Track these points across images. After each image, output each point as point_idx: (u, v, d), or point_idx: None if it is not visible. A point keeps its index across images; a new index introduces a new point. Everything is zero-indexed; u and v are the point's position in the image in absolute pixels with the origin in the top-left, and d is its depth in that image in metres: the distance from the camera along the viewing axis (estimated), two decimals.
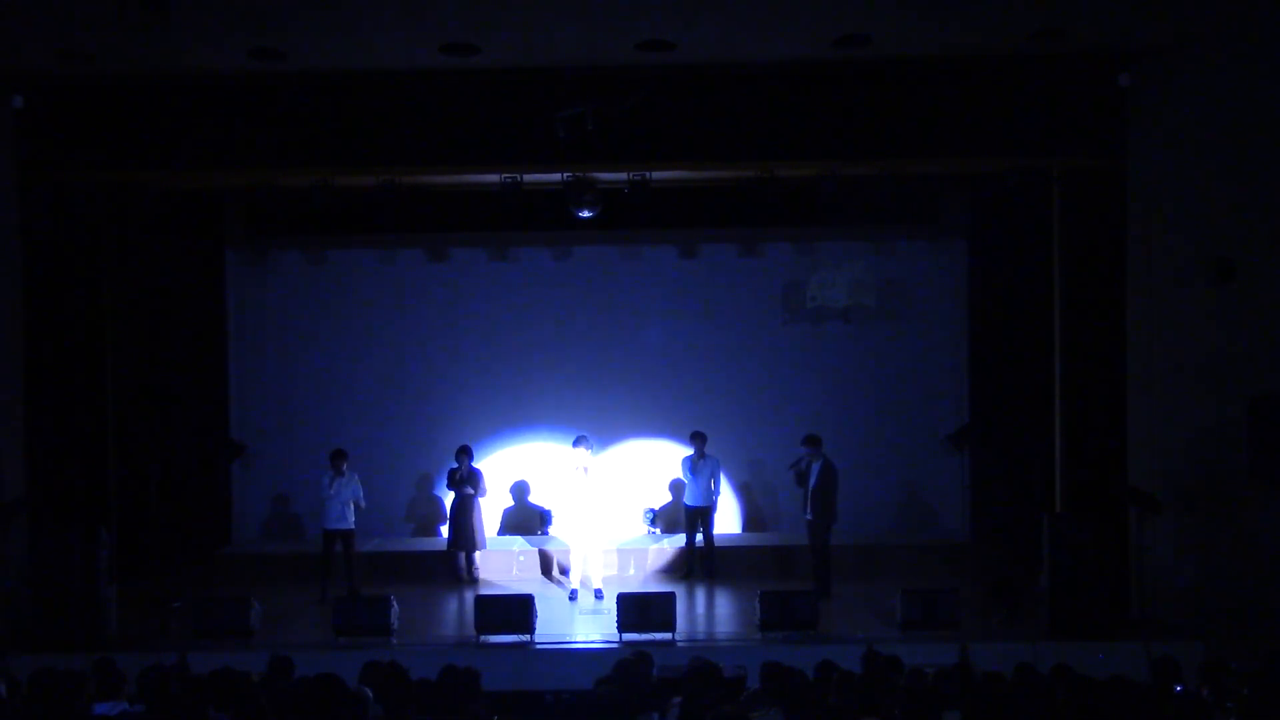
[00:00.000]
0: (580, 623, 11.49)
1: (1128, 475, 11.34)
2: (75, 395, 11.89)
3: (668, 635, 10.64)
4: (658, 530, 14.30)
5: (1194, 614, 10.76)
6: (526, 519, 14.62)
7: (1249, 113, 10.74)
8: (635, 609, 10.74)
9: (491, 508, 13.97)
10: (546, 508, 14.47)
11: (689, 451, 13.16)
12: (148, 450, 13.40)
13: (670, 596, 10.88)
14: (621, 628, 10.69)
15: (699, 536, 13.13)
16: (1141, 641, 10.24)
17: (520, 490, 14.66)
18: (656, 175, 11.72)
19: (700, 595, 12.46)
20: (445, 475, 13.24)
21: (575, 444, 12.35)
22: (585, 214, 11.99)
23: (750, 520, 14.68)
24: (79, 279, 11.97)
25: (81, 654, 9.27)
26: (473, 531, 12.95)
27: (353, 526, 12.45)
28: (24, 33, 9.99)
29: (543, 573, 13.31)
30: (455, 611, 11.65)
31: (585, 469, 12.23)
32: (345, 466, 12.37)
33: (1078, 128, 11.33)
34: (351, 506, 12.38)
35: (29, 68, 10.87)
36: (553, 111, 11.12)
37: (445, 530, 13.37)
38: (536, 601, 10.87)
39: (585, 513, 12.21)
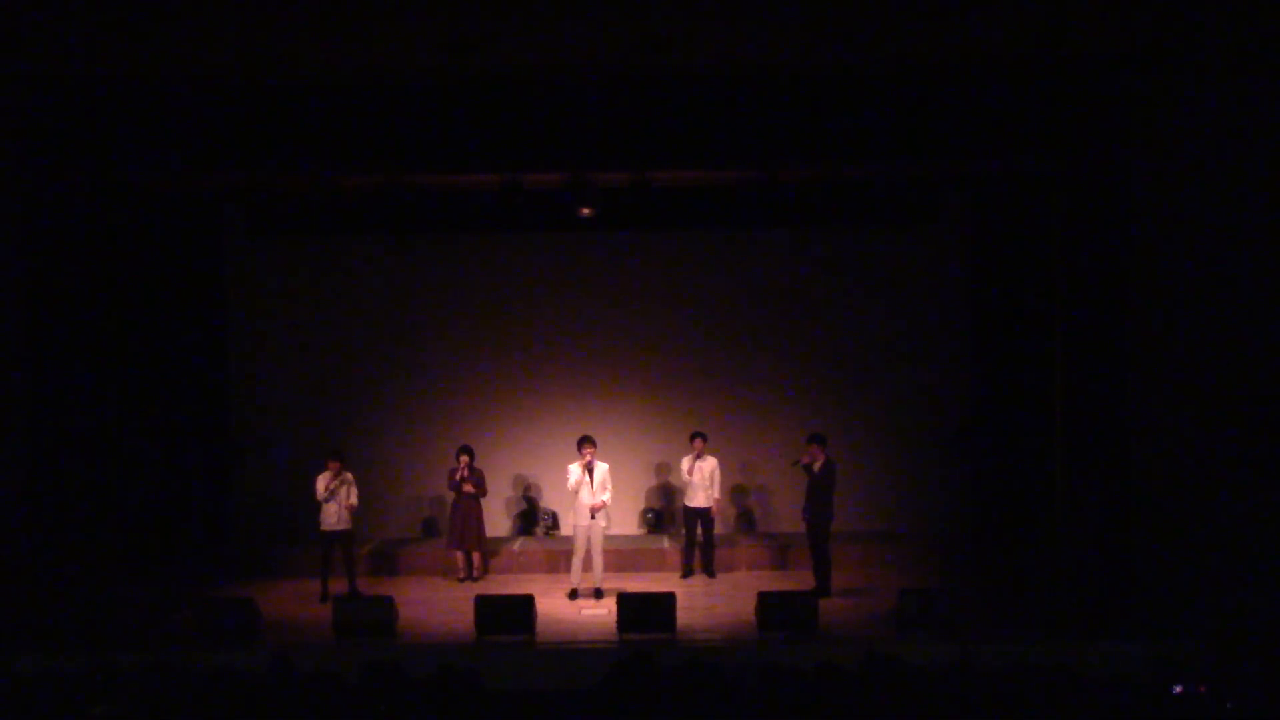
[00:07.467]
0: (580, 623, 11.49)
1: (1129, 472, 11.34)
2: (76, 394, 11.88)
3: (668, 635, 10.64)
4: (658, 530, 14.33)
5: (1194, 613, 10.75)
6: (528, 518, 14.67)
7: (1246, 114, 10.75)
8: (636, 609, 10.74)
9: (493, 507, 13.96)
10: (547, 507, 14.53)
11: (690, 451, 13.14)
12: (148, 449, 13.39)
13: (670, 597, 10.85)
14: (621, 628, 10.69)
15: (699, 536, 13.12)
16: (1142, 641, 10.24)
17: (521, 490, 14.69)
18: (658, 175, 11.73)
19: (700, 595, 12.45)
20: (446, 475, 13.23)
21: (579, 445, 12.33)
22: (585, 212, 12.01)
23: (749, 520, 14.68)
24: (81, 278, 11.96)
25: (82, 654, 9.27)
26: (473, 531, 12.98)
27: (350, 527, 12.45)
28: (25, 32, 9.99)
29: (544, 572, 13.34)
30: (455, 611, 11.63)
31: (586, 468, 12.23)
32: (340, 467, 12.37)
33: (1078, 127, 11.33)
34: (348, 508, 12.38)
35: (30, 67, 10.86)
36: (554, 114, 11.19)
37: (446, 530, 13.39)
38: (536, 601, 10.88)
39: (586, 512, 12.20)
